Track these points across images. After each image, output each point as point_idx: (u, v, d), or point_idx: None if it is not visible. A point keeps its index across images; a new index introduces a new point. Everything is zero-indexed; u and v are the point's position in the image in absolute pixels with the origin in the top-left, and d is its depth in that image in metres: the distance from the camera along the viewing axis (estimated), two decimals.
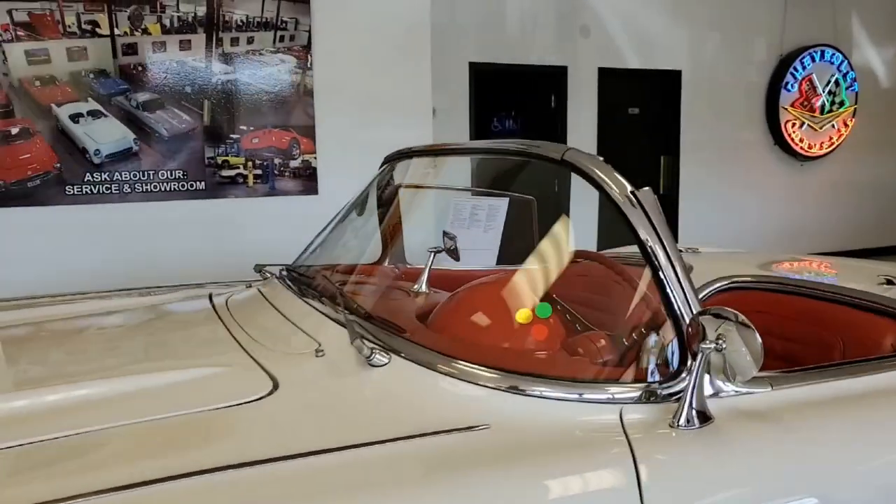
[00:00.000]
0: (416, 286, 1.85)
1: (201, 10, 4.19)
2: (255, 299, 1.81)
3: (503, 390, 1.16)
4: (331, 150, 4.62)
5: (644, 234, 1.21)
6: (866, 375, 1.37)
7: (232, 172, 4.39)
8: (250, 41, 4.35)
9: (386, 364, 1.23)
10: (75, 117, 3.98)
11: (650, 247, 1.20)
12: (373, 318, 1.43)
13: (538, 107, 6.85)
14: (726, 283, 2.04)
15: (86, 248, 4.05)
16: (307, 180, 4.57)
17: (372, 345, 1.24)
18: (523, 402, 1.14)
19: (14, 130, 3.86)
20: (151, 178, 4.18)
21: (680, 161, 7.40)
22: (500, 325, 1.44)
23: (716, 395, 1.17)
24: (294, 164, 4.54)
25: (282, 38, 4.42)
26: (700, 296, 2.01)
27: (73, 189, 4.00)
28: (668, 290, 1.18)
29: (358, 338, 1.26)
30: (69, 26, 3.91)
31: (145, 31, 4.08)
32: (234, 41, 4.31)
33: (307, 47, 4.47)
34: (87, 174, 4.03)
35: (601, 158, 1.36)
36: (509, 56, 6.41)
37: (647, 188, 1.27)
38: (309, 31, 4.46)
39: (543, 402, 1.14)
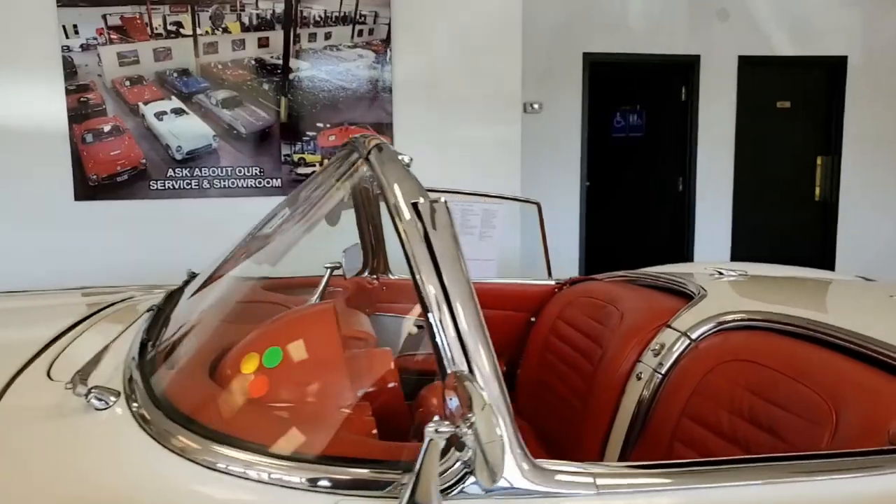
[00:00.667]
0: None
1: (279, 7, 4.20)
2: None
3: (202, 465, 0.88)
4: (408, 148, 4.44)
5: (415, 257, 0.88)
6: (807, 479, 0.92)
7: (308, 170, 4.37)
8: (328, 37, 4.29)
9: (104, 409, 1.00)
10: (160, 115, 4.16)
11: (420, 276, 0.87)
12: (164, 355, 1.21)
13: (666, 101, 6.21)
14: (724, 319, 1.59)
15: (166, 242, 4.23)
16: None
17: (95, 386, 1.02)
18: (218, 481, 0.86)
19: (106, 128, 4.11)
20: (229, 174, 4.27)
21: (841, 162, 6.35)
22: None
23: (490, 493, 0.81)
24: None
25: (360, 33, 4.32)
26: (696, 334, 1.57)
27: (156, 184, 4.19)
28: (438, 337, 0.84)
29: (78, 374, 1.05)
30: (156, 28, 4.09)
31: (225, 30, 4.17)
32: (312, 37, 4.28)
33: (386, 41, 4.34)
34: (170, 170, 4.20)
35: (406, 158, 1.04)
36: (631, 45, 5.86)
37: (441, 201, 0.93)
38: (388, 25, 4.32)
39: (240, 484, 0.85)
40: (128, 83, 4.11)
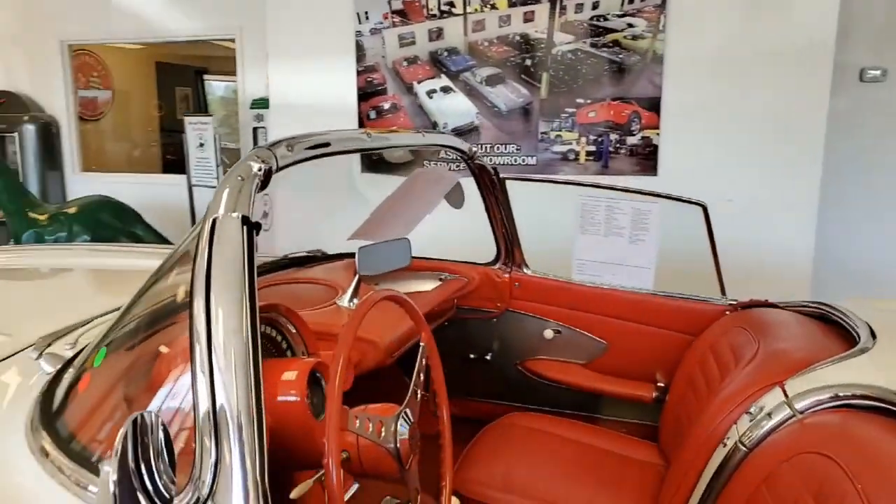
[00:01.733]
0: (339, 298, 1.53)
1: None
2: None
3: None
4: (677, 127, 3.99)
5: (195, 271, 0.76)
6: None
7: (564, 148, 4.21)
8: (595, 6, 4.03)
9: None
10: (430, 93, 4.40)
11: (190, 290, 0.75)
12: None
13: None
14: (845, 393, 1.13)
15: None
16: (645, 159, 4.06)
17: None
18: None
19: (386, 105, 4.50)
20: (489, 151, 4.35)
21: None
22: None
23: None
24: (632, 140, 4.08)
25: (630, 0, 3.97)
26: (802, 404, 1.21)
27: (426, 159, 4.47)
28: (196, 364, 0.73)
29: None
30: (431, 9, 4.31)
31: (493, 7, 4.20)
32: (578, 7, 4.06)
33: (661, 6, 3.91)
34: None
35: None
36: None
37: (238, 215, 0.79)
38: None
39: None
40: (405, 63, 4.42)
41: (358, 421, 1.03)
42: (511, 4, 4.17)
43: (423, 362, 1.23)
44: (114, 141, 7.73)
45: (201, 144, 5.50)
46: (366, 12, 4.42)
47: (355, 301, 1.52)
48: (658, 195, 1.89)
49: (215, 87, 9.79)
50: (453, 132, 4.38)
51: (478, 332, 2.07)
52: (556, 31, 4.12)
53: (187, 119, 5.64)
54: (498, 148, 4.32)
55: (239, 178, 0.89)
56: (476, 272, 2.01)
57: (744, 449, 1.17)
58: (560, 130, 4.20)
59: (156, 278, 0.91)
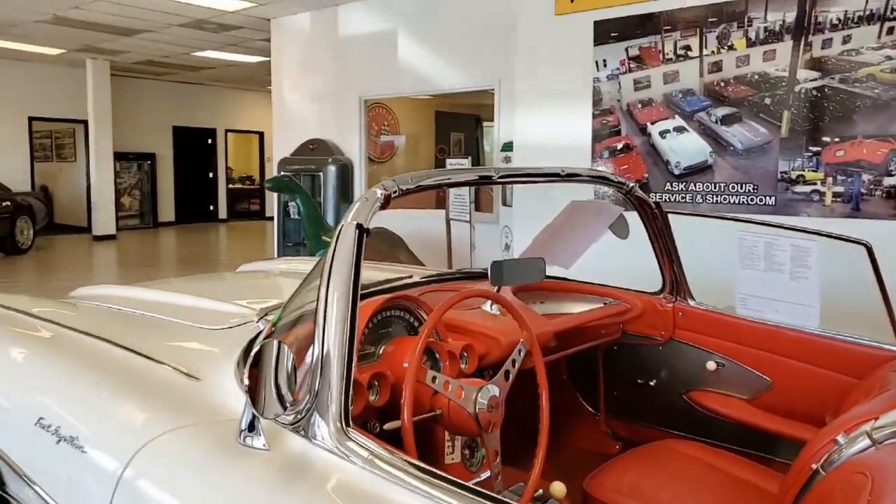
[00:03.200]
0: (483, 304, 1.80)
1: (790, 16, 3.95)
2: None
3: None
4: None
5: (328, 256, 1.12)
6: None
7: (807, 189, 3.99)
8: (846, 40, 3.80)
9: None
10: (663, 133, 4.48)
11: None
12: None
13: None
14: None
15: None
16: None
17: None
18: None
19: (619, 146, 4.69)
20: (722, 190, 4.28)
21: None
22: None
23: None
24: (890, 181, 3.73)
25: (890, 31, 3.67)
26: (881, 433, 1.35)
27: (655, 196, 4.54)
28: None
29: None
30: (667, 53, 4.42)
31: (730, 48, 4.17)
32: (826, 43, 3.86)
33: None
34: (667, 184, 4.49)
35: None
36: None
37: (355, 223, 1.14)
38: None
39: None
40: (639, 105, 4.57)
41: (437, 380, 1.32)
42: (750, 44, 4.10)
43: (520, 354, 1.47)
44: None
45: None
46: (604, 60, 4.68)
47: (495, 307, 1.79)
48: (819, 233, 1.86)
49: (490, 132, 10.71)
50: (685, 171, 4.41)
51: (644, 358, 2.18)
52: (800, 69, 3.95)
53: (448, 161, 6.38)
54: (732, 187, 4.23)
55: (365, 199, 1.24)
56: (640, 300, 2.14)
57: (821, 473, 1.21)
58: (803, 170, 3.99)
59: (315, 269, 1.30)
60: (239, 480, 1.04)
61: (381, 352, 1.48)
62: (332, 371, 1.05)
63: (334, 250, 1.14)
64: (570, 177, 1.76)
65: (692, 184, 4.39)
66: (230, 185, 17.18)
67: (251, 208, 17.88)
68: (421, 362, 1.28)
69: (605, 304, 2.16)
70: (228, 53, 11.04)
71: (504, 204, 6.37)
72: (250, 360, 1.01)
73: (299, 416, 1.06)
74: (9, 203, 10.43)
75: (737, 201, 4.22)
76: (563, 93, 4.90)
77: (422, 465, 1.00)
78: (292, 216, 7.80)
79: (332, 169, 7.76)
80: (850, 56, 3.79)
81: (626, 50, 4.58)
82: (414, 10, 7.10)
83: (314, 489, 1.00)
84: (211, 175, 16.62)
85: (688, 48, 4.34)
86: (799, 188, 4.00)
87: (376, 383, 1.34)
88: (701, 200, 4.35)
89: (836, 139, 3.86)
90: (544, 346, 1.79)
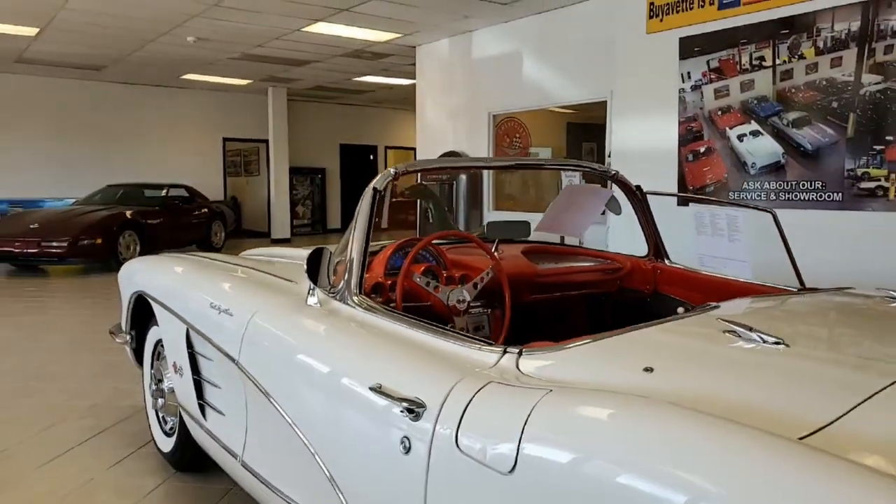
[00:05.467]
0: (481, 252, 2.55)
1: (855, 25, 4.27)
2: None
3: None
4: None
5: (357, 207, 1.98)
6: None
7: (871, 185, 4.27)
8: None
9: None
10: (741, 137, 4.90)
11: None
12: None
13: None
14: None
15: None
16: None
17: None
18: None
19: (701, 149, 5.15)
20: (793, 188, 4.64)
21: None
22: None
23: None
24: None
25: None
26: None
27: (733, 195, 4.96)
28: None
29: None
30: (743, 64, 4.84)
31: (801, 57, 4.54)
32: (888, 49, 4.15)
33: None
34: (744, 183, 4.90)
35: None
36: None
37: (373, 186, 1.97)
38: None
39: None
40: (719, 112, 5.02)
41: (429, 284, 2.09)
42: (819, 53, 4.45)
43: (488, 275, 2.20)
44: (520, 186, 9.67)
45: None
46: (688, 72, 5.18)
47: (495, 254, 2.53)
48: (738, 204, 2.40)
49: None
50: (760, 170, 4.80)
51: (637, 306, 2.80)
52: (864, 73, 4.25)
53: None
54: (803, 185, 4.57)
55: (384, 175, 2.06)
56: (630, 261, 2.76)
57: None
58: (868, 167, 4.27)
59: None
60: (306, 321, 1.92)
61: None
62: (353, 268, 1.89)
63: (361, 203, 1.99)
64: (561, 166, 2.48)
65: (766, 182, 4.77)
66: (393, 199, 18.84)
67: (409, 218, 19.44)
68: (410, 264, 2.07)
69: (600, 263, 2.82)
70: (383, 77, 12.43)
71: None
72: (308, 256, 1.88)
73: (335, 291, 1.92)
74: (206, 210, 12.49)
75: (806, 198, 4.56)
76: (653, 103, 5.45)
77: (396, 309, 1.83)
78: (430, 220, 8.87)
79: (463, 178, 8.69)
80: None
81: (708, 62, 5.05)
82: (536, 32, 7.87)
83: (341, 321, 1.85)
84: None
85: (762, 59, 4.75)
86: (864, 184, 4.29)
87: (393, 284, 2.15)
88: (774, 198, 4.72)
89: None
90: (524, 280, 2.50)
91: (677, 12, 5.24)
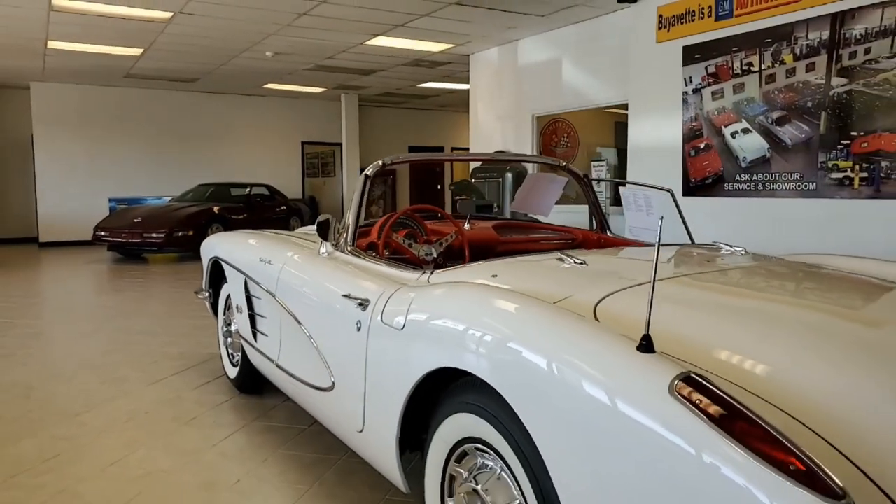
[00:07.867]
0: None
1: (825, 34, 4.83)
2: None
3: None
4: None
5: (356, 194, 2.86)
6: None
7: (840, 175, 4.82)
8: (867, 52, 4.61)
9: None
10: (733, 134, 5.50)
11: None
12: None
13: None
14: None
15: (736, 228, 5.56)
16: None
17: None
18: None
19: (701, 146, 5.77)
20: (776, 179, 5.22)
21: None
22: None
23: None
24: None
25: None
26: None
27: (728, 186, 5.57)
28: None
29: None
30: (735, 70, 5.45)
31: (781, 62, 5.12)
32: (852, 55, 4.69)
33: None
34: (737, 175, 5.50)
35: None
36: None
37: (366, 173, 2.84)
38: None
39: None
40: (716, 112, 5.64)
41: (399, 238, 2.92)
42: (796, 59, 5.03)
43: (451, 237, 3.01)
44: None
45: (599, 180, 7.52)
46: (690, 77, 5.81)
47: (467, 227, 3.35)
48: (643, 185, 3.10)
49: None
50: (750, 164, 5.39)
51: None
52: (833, 76, 4.81)
53: (593, 162, 7.74)
54: (784, 176, 5.15)
55: (374, 164, 2.91)
56: (581, 233, 3.51)
57: None
58: (837, 160, 4.82)
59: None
60: (317, 260, 2.83)
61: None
62: (348, 229, 2.77)
63: (357, 185, 2.86)
64: (517, 158, 3.29)
65: (755, 174, 5.36)
66: (455, 197, 19.82)
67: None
68: (391, 227, 2.91)
69: (557, 235, 3.59)
70: (443, 83, 13.35)
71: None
72: (318, 222, 2.77)
73: (337, 245, 2.80)
74: (284, 207, 13.78)
75: (787, 187, 5.14)
76: (661, 104, 6.10)
77: (375, 255, 2.71)
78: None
79: (509, 175, 9.47)
80: (870, 65, 4.59)
81: (706, 68, 5.68)
82: (573, 41, 8.56)
83: (337, 263, 2.72)
84: (439, 186, 19.32)
85: (750, 64, 5.34)
86: (834, 175, 4.84)
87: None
88: (762, 188, 5.31)
89: (861, 133, 4.66)
90: (488, 245, 3.30)
91: (681, 23, 5.88)
